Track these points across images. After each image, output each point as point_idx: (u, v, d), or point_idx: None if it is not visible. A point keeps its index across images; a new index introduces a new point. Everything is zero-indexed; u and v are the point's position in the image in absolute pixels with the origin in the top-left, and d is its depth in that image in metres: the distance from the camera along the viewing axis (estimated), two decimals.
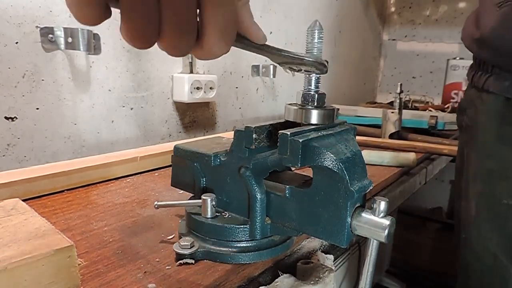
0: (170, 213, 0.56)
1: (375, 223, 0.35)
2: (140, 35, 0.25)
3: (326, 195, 0.37)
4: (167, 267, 0.41)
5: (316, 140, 0.36)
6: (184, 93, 0.99)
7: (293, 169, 0.48)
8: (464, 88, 1.76)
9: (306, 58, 0.38)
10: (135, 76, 0.92)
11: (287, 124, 0.43)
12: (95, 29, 0.80)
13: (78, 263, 0.35)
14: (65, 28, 0.75)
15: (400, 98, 1.14)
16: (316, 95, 0.41)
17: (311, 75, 0.41)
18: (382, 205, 0.35)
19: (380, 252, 0.37)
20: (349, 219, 0.36)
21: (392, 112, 1.15)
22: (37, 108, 0.75)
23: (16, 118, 0.72)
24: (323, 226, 0.37)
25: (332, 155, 0.35)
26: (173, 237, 0.48)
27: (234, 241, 0.44)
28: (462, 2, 1.96)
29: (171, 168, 0.54)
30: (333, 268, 0.47)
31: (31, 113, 0.74)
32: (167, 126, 1.02)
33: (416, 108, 1.59)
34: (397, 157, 0.88)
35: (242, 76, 1.23)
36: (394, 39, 2.18)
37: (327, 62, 0.40)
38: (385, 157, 0.88)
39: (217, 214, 0.46)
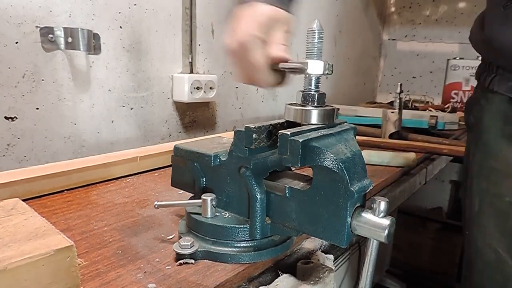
0: (170, 213, 0.56)
1: (375, 223, 0.35)
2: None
3: (326, 195, 0.37)
4: (167, 267, 0.41)
5: (316, 140, 0.36)
6: (184, 93, 0.98)
7: (293, 169, 0.48)
8: (464, 88, 1.76)
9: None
10: (135, 76, 0.92)
11: (287, 124, 0.43)
12: (95, 29, 0.80)
13: (78, 263, 0.35)
14: (65, 28, 0.75)
15: (400, 98, 1.14)
16: (316, 95, 0.41)
17: (311, 75, 0.41)
18: (382, 205, 0.35)
19: (380, 252, 0.37)
20: (349, 219, 0.36)
21: (392, 112, 1.15)
22: (37, 108, 0.75)
23: (16, 118, 0.72)
24: (323, 226, 0.37)
25: (332, 155, 0.35)
26: (173, 237, 0.48)
27: (234, 241, 0.44)
28: (462, 2, 1.96)
29: (171, 168, 0.54)
30: (333, 268, 0.47)
31: (31, 113, 0.74)
32: (167, 126, 1.02)
33: (416, 108, 1.59)
34: (397, 157, 0.88)
35: None
36: (394, 39, 2.18)
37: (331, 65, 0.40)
38: (385, 157, 0.88)
39: (217, 214, 0.46)
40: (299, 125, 0.41)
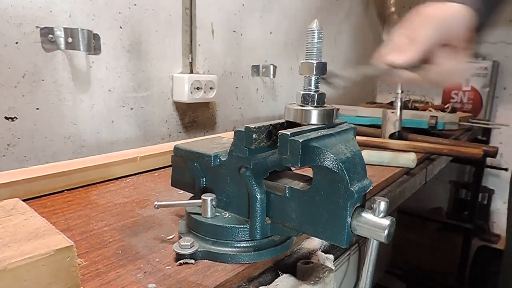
0: (170, 213, 0.56)
1: (375, 223, 0.35)
2: None
3: (326, 195, 0.37)
4: (167, 267, 0.41)
5: (316, 140, 0.36)
6: (184, 93, 0.99)
7: (293, 169, 0.48)
8: (464, 88, 1.76)
9: None
10: (135, 76, 0.92)
11: (287, 124, 0.43)
12: (95, 29, 0.80)
13: (78, 263, 0.35)
14: (65, 28, 0.75)
15: (400, 98, 1.14)
16: (316, 95, 0.41)
17: (311, 76, 0.41)
18: (382, 205, 0.35)
19: (380, 252, 0.37)
20: (349, 219, 0.36)
21: (392, 112, 1.15)
22: (37, 108, 0.75)
23: (16, 118, 0.72)
24: (323, 226, 0.37)
25: (332, 155, 0.35)
26: (173, 237, 0.48)
27: (234, 241, 0.44)
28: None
29: (171, 168, 0.54)
30: (333, 268, 0.47)
31: (31, 113, 0.74)
32: (167, 126, 1.02)
33: (416, 108, 1.59)
34: (397, 157, 0.88)
35: (242, 76, 1.23)
36: None
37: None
38: (385, 157, 0.88)
39: (217, 214, 0.46)
40: (299, 125, 0.41)
